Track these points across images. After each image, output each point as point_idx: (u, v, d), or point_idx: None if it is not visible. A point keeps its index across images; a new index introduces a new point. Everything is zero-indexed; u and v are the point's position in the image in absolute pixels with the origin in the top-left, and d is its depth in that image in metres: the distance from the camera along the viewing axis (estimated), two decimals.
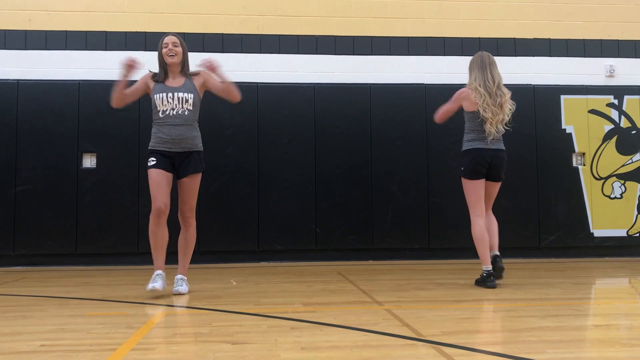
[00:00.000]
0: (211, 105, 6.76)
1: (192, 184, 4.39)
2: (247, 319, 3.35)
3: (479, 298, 4.13)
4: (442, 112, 4.94)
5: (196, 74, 4.44)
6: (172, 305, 3.92)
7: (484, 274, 4.64)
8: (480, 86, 4.67)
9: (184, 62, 4.43)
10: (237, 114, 6.81)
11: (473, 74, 4.78)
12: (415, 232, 6.92)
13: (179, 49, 4.38)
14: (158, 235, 4.28)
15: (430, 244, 6.92)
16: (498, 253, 4.77)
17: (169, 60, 4.35)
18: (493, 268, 4.65)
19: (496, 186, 4.85)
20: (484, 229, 4.71)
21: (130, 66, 4.28)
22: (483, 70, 4.72)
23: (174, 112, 4.28)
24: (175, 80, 4.38)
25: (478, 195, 4.73)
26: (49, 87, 6.66)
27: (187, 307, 3.88)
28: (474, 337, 2.92)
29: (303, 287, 4.75)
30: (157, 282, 4.11)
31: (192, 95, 4.34)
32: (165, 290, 4.20)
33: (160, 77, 4.38)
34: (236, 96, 4.45)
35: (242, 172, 6.79)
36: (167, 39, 4.39)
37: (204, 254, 6.56)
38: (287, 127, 6.89)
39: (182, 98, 4.30)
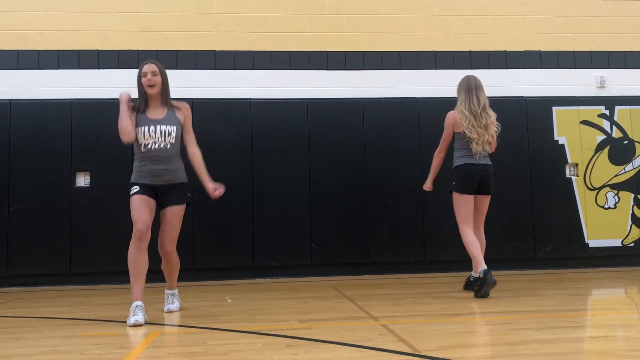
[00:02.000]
0: (204, 122, 6.78)
1: (175, 215, 4.22)
2: (242, 337, 3.32)
3: (475, 311, 4.12)
4: (443, 144, 5.26)
5: (178, 107, 4.30)
6: (167, 325, 3.89)
7: (481, 274, 4.71)
8: (465, 109, 5.01)
9: (165, 92, 4.27)
10: (230, 130, 6.82)
11: (460, 97, 5.12)
12: (410, 245, 6.91)
13: (158, 78, 4.22)
14: (139, 261, 4.06)
15: (426, 257, 6.91)
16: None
17: (149, 91, 4.20)
18: (482, 282, 4.71)
19: (486, 200, 5.11)
20: (474, 236, 4.95)
21: (128, 101, 4.15)
22: (469, 94, 5.05)
23: (157, 146, 4.13)
24: (156, 111, 4.23)
25: (468, 209, 5.00)
26: (41, 107, 6.65)
27: (181, 325, 3.85)
28: (469, 351, 2.91)
29: (299, 303, 4.73)
30: (138, 315, 3.85)
31: (174, 127, 4.21)
32: (160, 308, 4.20)
33: (141, 108, 4.22)
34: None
35: (236, 188, 6.76)
36: (145, 68, 4.23)
37: (198, 272, 6.54)
38: (280, 143, 6.89)
39: (165, 132, 4.16)
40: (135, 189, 4.16)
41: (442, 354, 2.75)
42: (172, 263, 4.31)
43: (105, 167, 6.63)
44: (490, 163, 5.09)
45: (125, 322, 3.89)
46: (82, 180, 6.64)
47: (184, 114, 4.32)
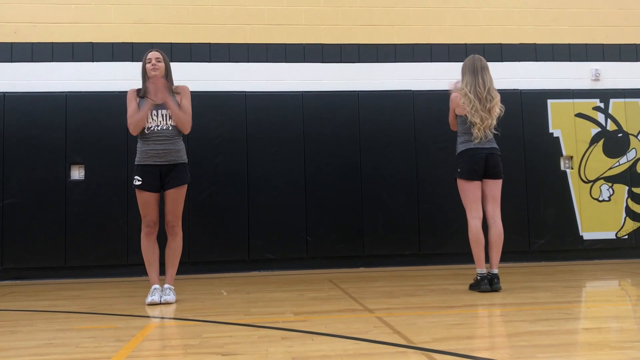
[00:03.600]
0: (200, 115, 6.76)
1: (178, 195, 4.52)
2: (238, 330, 3.33)
3: (470, 303, 4.13)
4: (451, 123, 4.96)
5: (177, 92, 4.55)
6: (162, 317, 3.90)
7: (478, 277, 4.65)
8: (470, 92, 4.71)
9: (167, 78, 4.53)
10: (225, 123, 6.81)
11: (465, 78, 4.82)
12: (405, 238, 6.92)
13: (162, 64, 4.52)
14: (151, 251, 4.52)
15: (420, 250, 6.93)
16: (496, 272, 4.64)
17: (151, 74, 4.46)
18: (490, 285, 4.58)
19: (496, 185, 4.75)
20: (481, 231, 4.67)
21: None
22: (474, 75, 4.76)
23: (159, 129, 4.43)
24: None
25: (474, 196, 4.70)
26: (35, 99, 6.62)
27: (177, 318, 3.86)
28: (464, 343, 2.92)
29: (294, 296, 4.74)
30: (155, 296, 4.35)
31: None
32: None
33: (143, 92, 4.49)
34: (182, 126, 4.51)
35: (231, 181, 6.77)
36: (150, 55, 4.53)
37: (194, 265, 6.55)
38: (276, 136, 6.88)
39: (167, 115, 4.44)
40: (139, 181, 4.43)
41: (436, 345, 2.76)
42: (176, 240, 4.56)
43: (100, 160, 6.61)
44: (497, 147, 4.76)
45: (121, 314, 3.92)
46: (77, 173, 6.62)
47: (181, 94, 4.56)
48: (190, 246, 6.53)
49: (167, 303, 4.36)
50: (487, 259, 4.74)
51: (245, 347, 2.85)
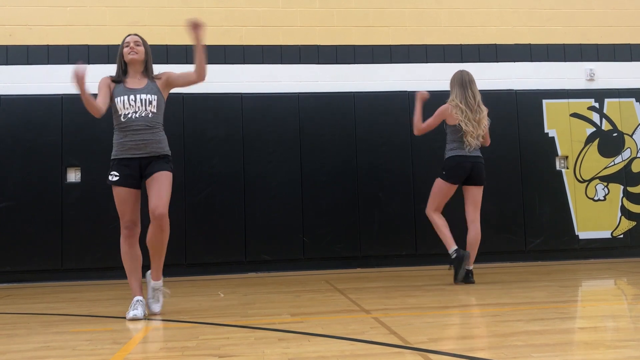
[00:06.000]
0: (196, 116, 6.78)
1: (162, 179, 3.94)
2: (234, 332, 3.33)
3: (466, 303, 4.14)
4: (425, 126, 5.37)
5: (159, 77, 4.11)
6: (159, 320, 3.89)
7: (454, 254, 5.04)
8: (461, 103, 5.11)
9: (147, 63, 4.10)
10: (221, 124, 6.81)
11: (454, 91, 5.21)
12: (402, 238, 6.94)
13: (141, 49, 4.06)
14: (131, 258, 4.00)
15: (417, 250, 6.94)
16: (471, 268, 5.10)
17: (128, 57, 4.02)
18: (465, 279, 5.05)
19: (478, 191, 5.24)
20: (441, 217, 5.24)
21: (81, 77, 3.74)
22: (464, 88, 5.16)
23: (137, 116, 3.92)
24: (136, 82, 4.04)
25: (445, 197, 5.26)
26: (31, 102, 6.62)
27: (173, 320, 3.85)
28: (460, 343, 2.93)
29: (291, 297, 4.74)
30: (137, 310, 3.82)
31: (155, 97, 4.00)
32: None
33: (118, 77, 4.06)
34: (203, 71, 4.06)
35: (227, 183, 6.78)
36: (128, 38, 4.08)
37: (190, 267, 6.55)
38: (272, 137, 6.89)
39: (145, 100, 3.95)
40: (115, 176, 3.98)
41: (433, 346, 2.77)
42: (164, 228, 3.88)
43: (96, 163, 6.60)
44: (481, 155, 5.23)
45: (117, 317, 3.91)
46: (73, 176, 6.62)
47: (164, 79, 4.11)
48: (186, 248, 6.53)
49: (154, 314, 3.98)
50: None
51: (242, 349, 2.85)
